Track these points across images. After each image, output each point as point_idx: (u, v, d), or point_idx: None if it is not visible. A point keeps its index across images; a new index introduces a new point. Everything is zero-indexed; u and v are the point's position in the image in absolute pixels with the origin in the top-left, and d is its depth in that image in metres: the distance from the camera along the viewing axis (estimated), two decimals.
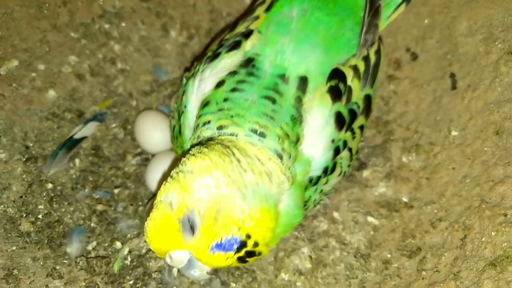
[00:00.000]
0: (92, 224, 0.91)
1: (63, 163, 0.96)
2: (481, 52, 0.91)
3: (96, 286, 0.84)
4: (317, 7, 0.77)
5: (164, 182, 0.64)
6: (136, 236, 0.89)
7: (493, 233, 0.75)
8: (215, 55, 0.77)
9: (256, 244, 0.63)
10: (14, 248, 0.86)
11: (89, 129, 1.00)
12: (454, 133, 0.91)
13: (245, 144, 0.66)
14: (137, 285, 0.84)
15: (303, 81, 0.72)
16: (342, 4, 0.80)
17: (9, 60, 1.02)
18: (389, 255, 0.89)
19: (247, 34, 0.77)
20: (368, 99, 0.78)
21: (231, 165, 0.62)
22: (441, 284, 0.79)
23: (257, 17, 0.81)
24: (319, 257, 0.89)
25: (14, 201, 0.91)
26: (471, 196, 0.83)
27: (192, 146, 0.71)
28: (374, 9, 0.78)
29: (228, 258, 0.63)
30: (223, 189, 0.61)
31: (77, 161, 0.97)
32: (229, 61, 0.75)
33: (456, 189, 0.87)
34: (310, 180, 0.73)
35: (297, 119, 0.70)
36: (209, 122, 0.70)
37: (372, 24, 0.78)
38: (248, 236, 0.62)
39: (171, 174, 0.65)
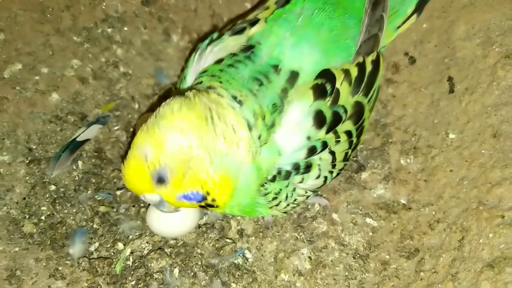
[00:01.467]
0: (95, 226, 0.91)
1: (66, 165, 0.97)
2: (478, 56, 0.92)
3: (98, 287, 0.85)
4: (325, 10, 0.78)
5: (142, 128, 0.69)
6: (138, 237, 0.90)
7: (490, 235, 0.76)
8: (219, 36, 0.81)
9: (213, 200, 0.72)
10: (17, 249, 0.87)
11: (91, 132, 1.01)
12: (452, 136, 0.92)
13: (227, 108, 0.70)
14: (139, 286, 0.85)
15: (294, 76, 0.73)
16: (350, 12, 0.80)
17: (12, 64, 1.04)
18: (387, 256, 0.89)
19: (254, 23, 0.80)
20: (359, 106, 0.77)
21: (206, 129, 0.67)
22: (439, 285, 0.79)
23: (267, 8, 0.83)
24: (318, 258, 0.90)
25: (17, 203, 0.92)
26: (469, 198, 0.84)
27: None
28: (375, 19, 0.79)
29: (192, 204, 0.73)
30: (194, 151, 0.67)
31: (80, 163, 0.98)
32: (231, 43, 0.78)
33: (454, 191, 0.88)
34: (279, 172, 0.74)
35: (277, 107, 0.72)
36: (201, 82, 0.76)
37: (372, 33, 0.79)
38: (208, 193, 0.70)
39: (148, 121, 0.69)
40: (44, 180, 0.95)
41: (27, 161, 0.96)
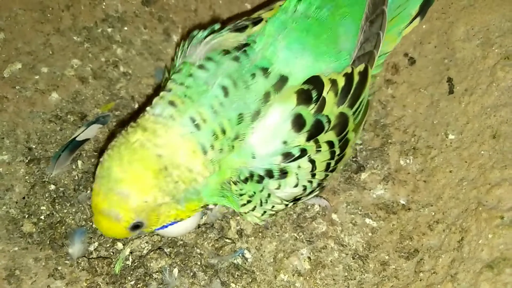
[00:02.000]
0: (94, 225, 0.91)
1: (66, 164, 0.97)
2: (478, 57, 0.92)
3: (98, 287, 0.85)
4: (319, 11, 0.76)
5: (97, 184, 0.70)
6: (137, 237, 0.90)
7: (490, 236, 0.76)
8: (220, 28, 0.79)
9: (182, 219, 0.78)
10: (16, 248, 0.87)
11: (91, 132, 1.01)
12: (451, 136, 0.92)
13: (177, 138, 0.69)
14: (138, 286, 0.85)
15: (283, 80, 0.72)
16: (346, 18, 0.77)
17: (12, 63, 1.04)
18: (387, 257, 0.90)
19: (256, 22, 0.78)
20: (343, 117, 0.75)
21: (164, 181, 0.69)
22: (439, 286, 0.80)
23: (271, 8, 0.82)
24: (318, 258, 0.90)
25: (16, 202, 0.92)
26: (468, 199, 0.84)
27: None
28: (372, 35, 0.78)
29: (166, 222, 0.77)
30: (159, 201, 0.70)
31: (79, 162, 0.98)
32: (230, 39, 0.76)
33: (453, 192, 0.88)
34: (251, 174, 0.72)
35: (244, 116, 0.70)
36: (170, 90, 0.73)
37: (366, 49, 0.78)
38: (179, 218, 0.77)
39: (102, 175, 0.70)
40: (44, 180, 0.95)
41: (27, 161, 0.96)
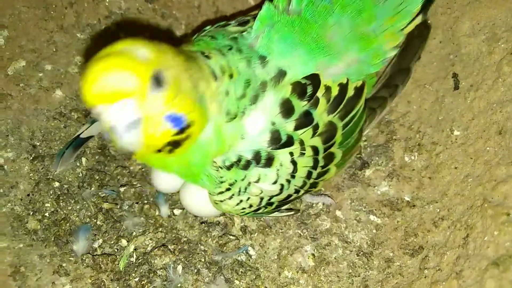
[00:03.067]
0: (98, 222, 0.92)
1: (70, 162, 0.97)
2: (484, 52, 0.91)
3: (102, 283, 0.85)
4: (319, 6, 0.75)
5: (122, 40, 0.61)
6: (141, 234, 0.91)
7: (495, 232, 0.75)
8: (225, 25, 0.80)
9: (187, 137, 0.64)
10: (21, 245, 0.88)
11: (95, 129, 1.01)
12: (456, 132, 0.91)
13: (202, 61, 0.68)
14: (142, 282, 0.85)
15: (280, 74, 0.72)
16: (347, 12, 0.77)
17: (16, 61, 1.04)
18: (391, 254, 0.89)
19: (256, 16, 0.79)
20: (331, 126, 0.75)
21: (194, 68, 0.65)
22: (444, 283, 0.79)
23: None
24: (322, 255, 0.90)
25: (21, 199, 0.93)
26: (473, 195, 0.83)
27: None
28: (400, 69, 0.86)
29: (167, 135, 0.62)
30: (185, 75, 0.62)
31: (83, 160, 0.99)
32: (233, 29, 0.77)
33: (458, 189, 0.87)
34: (239, 159, 0.71)
35: (250, 86, 0.69)
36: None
37: (392, 83, 0.86)
38: (191, 123, 0.63)
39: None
40: (48, 177, 0.95)
41: (31, 158, 0.97)
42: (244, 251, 0.90)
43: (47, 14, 1.08)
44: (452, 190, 0.88)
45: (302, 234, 0.92)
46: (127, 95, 0.56)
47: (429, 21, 0.93)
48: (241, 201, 0.77)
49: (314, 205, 0.96)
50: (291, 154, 0.73)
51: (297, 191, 0.79)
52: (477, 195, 0.83)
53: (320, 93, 0.73)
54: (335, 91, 0.74)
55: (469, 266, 0.76)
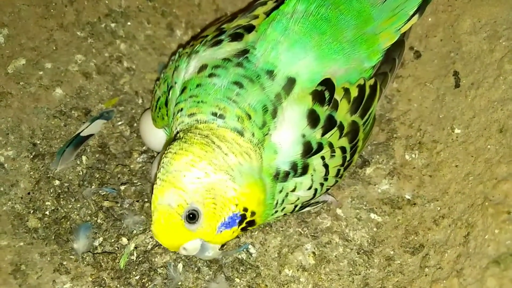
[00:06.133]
0: (99, 220, 0.92)
1: (70, 160, 0.97)
2: (485, 50, 0.91)
3: (103, 282, 0.85)
4: (318, 11, 0.77)
5: (155, 186, 0.69)
6: (142, 232, 0.91)
7: (496, 231, 0.75)
8: (217, 42, 0.79)
9: (253, 213, 0.71)
10: (22, 244, 0.87)
11: (95, 127, 1.02)
12: (457, 131, 0.91)
13: (215, 127, 0.70)
14: (143, 281, 0.85)
15: (291, 82, 0.73)
16: (346, 15, 0.79)
17: (16, 59, 1.04)
18: (392, 252, 0.89)
19: (249, 28, 0.79)
20: (355, 125, 0.78)
21: (214, 153, 0.68)
22: (444, 281, 0.79)
23: (257, 16, 0.83)
24: (322, 253, 0.90)
25: (21, 198, 0.93)
26: (474, 194, 0.83)
27: (171, 139, 0.76)
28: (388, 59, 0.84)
29: (234, 232, 0.71)
30: (212, 177, 0.67)
31: (84, 158, 0.99)
32: (228, 49, 0.77)
33: (459, 187, 0.87)
34: (277, 173, 0.72)
35: (268, 110, 0.71)
36: (181, 109, 0.74)
37: (381, 70, 0.83)
38: (245, 210, 0.69)
39: (158, 177, 0.69)
40: (48, 175, 0.95)
41: (31, 156, 0.97)
42: (244, 249, 0.90)
43: (47, 12, 1.08)
44: (452, 188, 0.88)
45: (302, 232, 0.92)
46: (179, 243, 0.72)
47: None
48: (276, 211, 0.78)
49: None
50: (323, 158, 0.75)
51: (327, 190, 0.82)
52: (478, 193, 0.83)
53: (338, 96, 0.75)
54: (354, 93, 0.77)
55: (469, 264, 0.76)
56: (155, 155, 1.01)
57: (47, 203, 0.92)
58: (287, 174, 0.73)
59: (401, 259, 0.88)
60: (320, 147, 0.74)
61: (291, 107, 0.72)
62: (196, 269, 0.87)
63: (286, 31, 0.75)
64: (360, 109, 0.78)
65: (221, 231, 0.70)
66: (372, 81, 0.81)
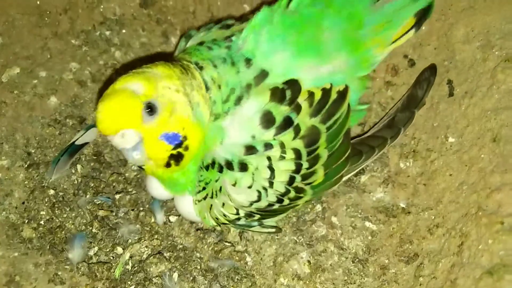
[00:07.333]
0: (94, 230, 0.92)
1: (65, 169, 0.97)
2: (478, 59, 0.92)
3: None
4: (306, 10, 0.79)
5: (125, 74, 0.72)
6: (137, 242, 0.90)
7: (490, 241, 0.76)
8: (208, 28, 0.86)
9: (186, 148, 0.73)
10: (16, 254, 0.87)
11: (90, 135, 1.01)
12: (451, 139, 0.92)
13: (198, 75, 0.75)
14: None
15: (263, 75, 0.75)
16: (334, 17, 0.80)
17: (10, 68, 1.04)
18: (386, 261, 0.89)
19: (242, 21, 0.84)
20: (314, 130, 0.76)
21: (188, 81, 0.73)
22: None
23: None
24: (317, 262, 0.90)
25: (16, 207, 0.92)
26: (468, 203, 0.84)
27: None
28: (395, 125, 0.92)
29: (167, 150, 0.73)
30: (180, 95, 0.71)
31: (78, 167, 0.98)
32: (218, 33, 0.83)
33: (453, 196, 0.87)
34: (213, 162, 0.75)
35: (235, 93, 0.74)
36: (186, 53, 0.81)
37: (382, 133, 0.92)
38: (185, 138, 0.73)
39: (133, 70, 0.73)
40: (43, 185, 0.95)
41: (26, 166, 0.96)
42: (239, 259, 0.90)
43: (41, 20, 1.07)
44: (447, 198, 0.88)
45: (297, 240, 0.92)
46: (125, 126, 0.70)
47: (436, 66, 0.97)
48: (212, 205, 0.79)
49: (309, 211, 0.96)
50: (269, 158, 0.75)
51: (280, 200, 0.79)
52: (471, 202, 0.83)
53: (301, 99, 0.75)
54: (318, 96, 0.77)
55: (463, 274, 0.77)
56: None
57: (41, 212, 0.92)
58: (221, 168, 0.75)
59: (395, 268, 0.88)
60: (267, 147, 0.74)
61: (251, 100, 0.74)
62: (191, 278, 0.87)
63: (270, 23, 0.77)
64: (323, 113, 0.77)
65: (161, 139, 0.72)
66: (342, 87, 0.79)
